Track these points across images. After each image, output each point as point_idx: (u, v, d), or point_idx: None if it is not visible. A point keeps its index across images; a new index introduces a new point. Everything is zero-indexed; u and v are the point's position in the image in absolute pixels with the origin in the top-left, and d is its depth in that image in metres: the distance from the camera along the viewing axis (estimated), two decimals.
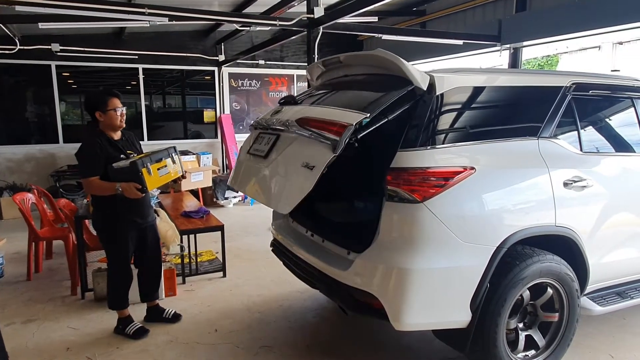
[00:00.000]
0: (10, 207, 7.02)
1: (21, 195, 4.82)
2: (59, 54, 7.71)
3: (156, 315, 3.69)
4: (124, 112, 3.34)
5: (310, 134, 2.53)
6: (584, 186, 2.80)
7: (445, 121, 2.58)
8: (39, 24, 6.13)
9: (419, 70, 2.55)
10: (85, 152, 3.23)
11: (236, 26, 7.74)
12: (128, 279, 3.51)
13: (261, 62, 9.88)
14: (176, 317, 3.69)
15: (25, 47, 7.29)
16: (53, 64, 8.28)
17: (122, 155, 3.30)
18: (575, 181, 2.77)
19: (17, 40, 7.05)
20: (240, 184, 3.15)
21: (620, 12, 5.37)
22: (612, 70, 8.41)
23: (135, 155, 3.38)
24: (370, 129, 2.36)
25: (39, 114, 8.65)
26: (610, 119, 3.39)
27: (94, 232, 3.63)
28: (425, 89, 2.51)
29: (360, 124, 2.33)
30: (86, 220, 4.53)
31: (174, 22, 5.91)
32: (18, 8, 4.84)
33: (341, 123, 2.38)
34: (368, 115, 2.35)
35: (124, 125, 3.39)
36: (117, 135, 3.38)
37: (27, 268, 4.65)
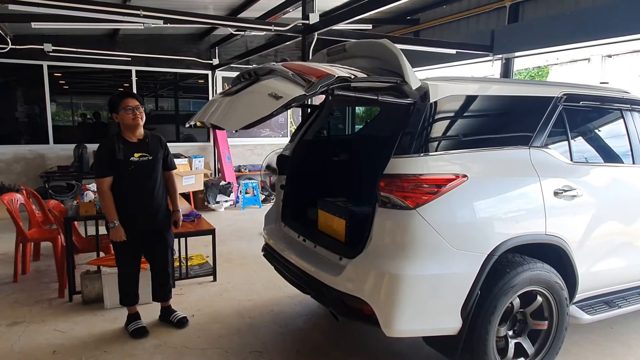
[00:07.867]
0: None
1: (9, 195, 4.75)
2: (51, 54, 7.65)
3: (165, 316, 3.68)
4: (141, 110, 3.32)
5: (291, 74, 2.47)
6: (574, 195, 2.83)
7: (438, 129, 2.60)
8: (32, 23, 6.07)
9: (415, 73, 2.56)
10: (96, 153, 3.38)
11: (231, 30, 7.75)
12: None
13: (255, 66, 9.84)
14: (181, 323, 3.60)
15: (17, 47, 7.22)
16: (45, 64, 8.21)
17: (131, 158, 3.28)
18: (565, 190, 2.80)
19: (9, 40, 6.99)
20: (200, 116, 2.88)
21: (609, 25, 5.46)
22: (601, 82, 8.54)
23: (149, 157, 3.35)
24: (350, 94, 2.40)
25: (30, 114, 8.56)
26: (599, 130, 3.44)
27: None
28: (414, 87, 2.54)
29: (345, 80, 2.34)
30: (75, 222, 4.48)
31: (169, 25, 5.90)
32: (11, 6, 4.79)
33: (324, 71, 2.38)
34: (354, 76, 2.39)
35: (140, 124, 3.33)
36: (135, 137, 3.36)
37: (14, 269, 4.58)
